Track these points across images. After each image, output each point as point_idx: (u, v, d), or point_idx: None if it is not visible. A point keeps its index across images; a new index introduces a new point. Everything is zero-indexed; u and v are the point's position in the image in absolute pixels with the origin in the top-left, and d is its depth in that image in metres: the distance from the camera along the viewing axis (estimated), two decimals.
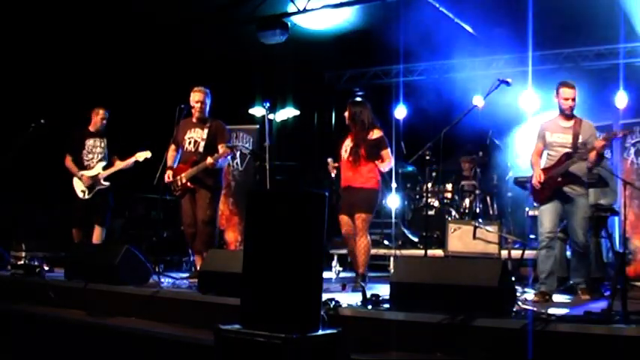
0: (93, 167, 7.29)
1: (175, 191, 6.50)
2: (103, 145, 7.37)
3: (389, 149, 6.18)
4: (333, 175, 6.42)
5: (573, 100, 5.58)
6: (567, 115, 5.61)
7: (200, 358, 4.43)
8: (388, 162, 6.16)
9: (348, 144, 6.23)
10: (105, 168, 7.26)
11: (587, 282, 5.58)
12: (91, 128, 7.40)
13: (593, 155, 5.42)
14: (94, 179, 7.23)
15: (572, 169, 5.51)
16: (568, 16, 8.08)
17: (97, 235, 7.26)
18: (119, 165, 7.20)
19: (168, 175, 6.46)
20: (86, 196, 7.24)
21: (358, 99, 6.70)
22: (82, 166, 7.29)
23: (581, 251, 5.54)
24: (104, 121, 7.39)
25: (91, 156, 7.32)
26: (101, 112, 7.39)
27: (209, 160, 6.30)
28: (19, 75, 8.69)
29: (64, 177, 7.44)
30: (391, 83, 11.44)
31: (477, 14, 8.68)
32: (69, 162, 7.34)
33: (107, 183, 7.24)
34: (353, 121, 6.22)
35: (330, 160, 6.42)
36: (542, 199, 5.63)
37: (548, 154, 5.71)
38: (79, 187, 7.28)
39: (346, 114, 6.29)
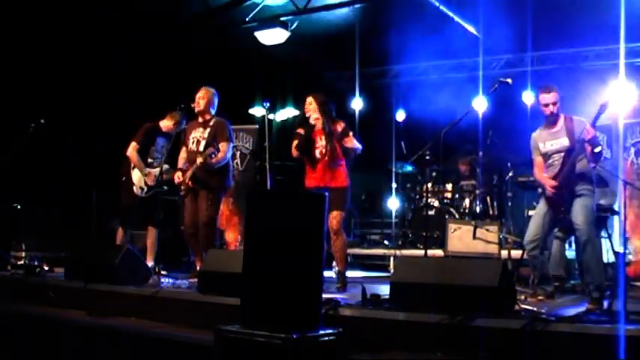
0: (157, 167, 6.84)
1: (181, 191, 6.49)
2: (168, 147, 6.96)
3: (351, 133, 6.04)
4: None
5: (554, 104, 5.39)
6: (551, 120, 5.44)
7: (200, 358, 4.43)
8: (353, 144, 5.99)
9: (320, 143, 6.00)
10: (167, 172, 6.78)
11: (599, 289, 5.07)
12: (165, 127, 7.03)
13: (588, 149, 5.22)
14: (157, 180, 6.77)
15: (578, 168, 5.26)
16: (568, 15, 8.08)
17: (153, 236, 6.94)
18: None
19: (178, 176, 6.46)
20: (143, 194, 6.88)
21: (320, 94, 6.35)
22: (145, 162, 6.91)
23: (583, 237, 5.12)
24: (177, 127, 6.97)
25: (157, 154, 6.97)
26: (178, 118, 6.97)
27: (198, 159, 6.27)
28: (19, 75, 8.70)
29: (64, 177, 7.42)
30: (391, 83, 11.45)
31: (477, 14, 8.69)
32: (135, 152, 6.85)
33: (165, 187, 6.84)
34: (323, 112, 6.01)
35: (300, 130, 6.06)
36: (565, 206, 5.31)
37: (548, 163, 5.48)
38: (139, 182, 6.89)
39: (309, 105, 6.03)
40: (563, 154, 5.36)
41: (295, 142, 6.02)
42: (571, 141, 5.31)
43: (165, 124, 7.06)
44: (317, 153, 6.02)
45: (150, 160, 6.97)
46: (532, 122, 8.08)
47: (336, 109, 6.28)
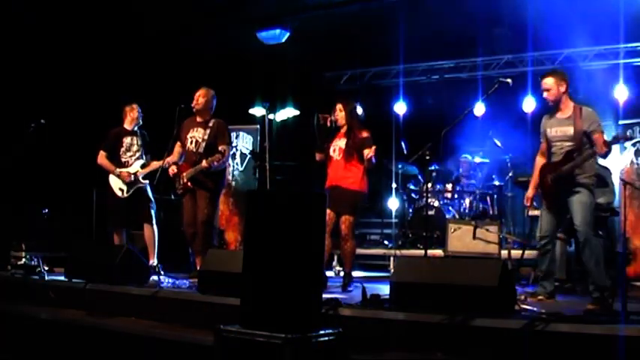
0: (131, 165, 7.05)
1: (177, 189, 6.53)
2: (139, 142, 7.14)
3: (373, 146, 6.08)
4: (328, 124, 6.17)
5: (548, 90, 5.40)
6: (555, 106, 5.44)
7: (200, 358, 4.43)
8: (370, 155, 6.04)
9: (338, 143, 6.16)
10: (143, 166, 7.01)
11: (599, 289, 5.09)
12: (127, 126, 7.16)
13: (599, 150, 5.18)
14: (134, 177, 6.99)
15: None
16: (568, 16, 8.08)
17: (149, 233, 6.99)
18: (157, 164, 6.78)
19: (173, 169, 6.48)
20: (125, 195, 6.99)
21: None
22: (120, 164, 7.03)
23: (583, 240, 5.16)
24: (140, 118, 7.18)
25: (129, 154, 7.08)
26: (135, 107, 7.17)
27: (204, 162, 6.31)
28: (18, 75, 8.70)
29: (65, 177, 7.41)
30: (391, 83, 11.45)
31: (477, 14, 8.68)
32: (103, 159, 7.06)
33: (146, 181, 7.01)
34: (351, 119, 6.15)
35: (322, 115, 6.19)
36: (550, 202, 5.44)
37: (551, 151, 5.50)
38: (116, 185, 7.03)
39: (340, 112, 6.18)
40: (565, 143, 5.35)
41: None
42: (576, 131, 5.29)
43: (128, 121, 7.18)
44: (331, 151, 6.16)
45: (124, 160, 7.08)
46: (532, 122, 8.10)
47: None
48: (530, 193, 5.67)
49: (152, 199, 7.09)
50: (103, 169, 7.10)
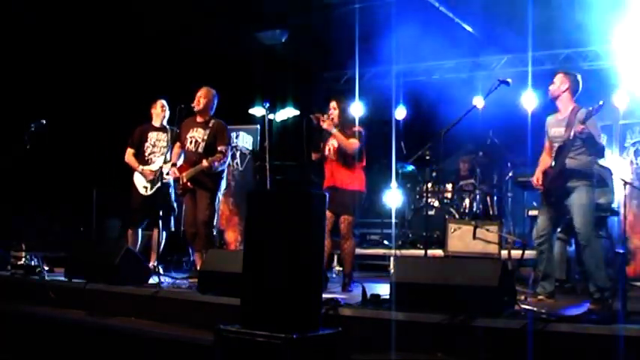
0: (154, 162, 6.96)
1: (177, 189, 6.53)
2: (166, 139, 7.02)
3: (362, 144, 6.08)
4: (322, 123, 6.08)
5: (553, 84, 5.46)
6: (555, 104, 5.49)
7: (200, 358, 4.43)
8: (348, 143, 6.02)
9: (332, 142, 6.12)
10: (166, 161, 6.80)
11: (600, 290, 5.11)
12: (154, 122, 7.10)
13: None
14: (156, 173, 6.86)
15: (569, 165, 5.25)
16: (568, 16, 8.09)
17: (157, 237, 6.88)
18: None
19: (174, 172, 6.48)
20: (148, 192, 6.91)
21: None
22: (144, 161, 6.97)
23: (584, 244, 5.16)
24: (166, 113, 7.08)
25: (154, 150, 7.01)
26: (159, 103, 7.09)
27: (204, 162, 6.30)
28: (19, 75, 8.70)
29: (65, 177, 7.39)
30: (391, 83, 11.45)
31: (477, 14, 8.69)
32: (130, 156, 7.00)
33: (169, 177, 6.82)
34: (343, 117, 6.14)
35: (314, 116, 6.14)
36: (550, 200, 5.42)
37: (553, 151, 5.49)
38: (140, 182, 6.94)
39: (334, 110, 6.15)
40: (559, 143, 5.35)
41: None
42: (567, 131, 5.30)
43: (155, 117, 7.11)
44: (326, 150, 6.16)
45: (147, 157, 7.01)
46: (532, 122, 8.10)
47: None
48: (537, 173, 5.53)
49: (175, 206, 7.02)
50: (129, 166, 7.00)
